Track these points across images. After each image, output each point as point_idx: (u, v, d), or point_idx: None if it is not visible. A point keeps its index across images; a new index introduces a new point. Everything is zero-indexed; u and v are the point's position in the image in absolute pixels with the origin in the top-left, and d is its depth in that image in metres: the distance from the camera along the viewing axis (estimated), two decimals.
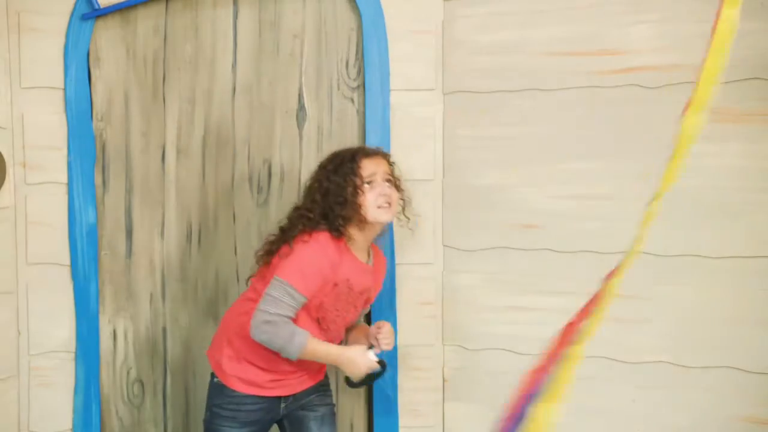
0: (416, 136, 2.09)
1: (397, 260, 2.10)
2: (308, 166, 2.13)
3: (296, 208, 1.84)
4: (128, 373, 2.20)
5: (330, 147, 2.12)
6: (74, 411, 2.16)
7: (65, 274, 2.14)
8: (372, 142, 2.07)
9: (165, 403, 2.21)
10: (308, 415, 1.86)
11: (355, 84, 2.12)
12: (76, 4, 2.08)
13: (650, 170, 1.89)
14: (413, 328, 2.11)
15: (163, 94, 2.15)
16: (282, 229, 1.82)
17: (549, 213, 1.98)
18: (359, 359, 1.74)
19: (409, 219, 1.93)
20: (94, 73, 2.14)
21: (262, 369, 1.78)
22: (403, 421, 2.12)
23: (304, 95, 2.14)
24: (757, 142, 1.80)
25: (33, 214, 2.13)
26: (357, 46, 2.12)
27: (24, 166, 2.11)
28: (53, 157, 2.12)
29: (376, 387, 2.11)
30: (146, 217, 2.17)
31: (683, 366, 1.88)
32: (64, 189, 2.12)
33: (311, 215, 1.78)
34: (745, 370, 1.82)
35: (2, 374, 2.09)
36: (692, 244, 1.85)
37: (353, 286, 1.78)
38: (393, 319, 2.09)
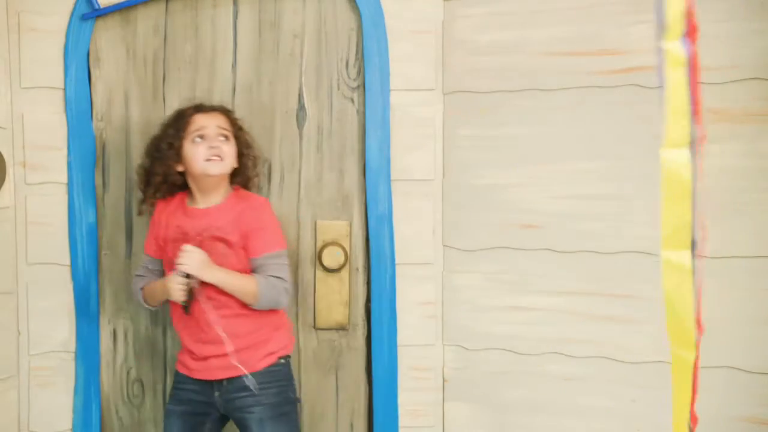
0: (416, 136, 2.09)
1: (397, 260, 2.10)
2: (308, 165, 2.13)
3: (135, 168, 2.01)
4: (128, 373, 2.20)
5: (330, 147, 2.13)
6: (74, 411, 2.16)
7: (65, 274, 2.14)
8: (372, 142, 2.08)
9: (165, 403, 2.21)
10: (247, 417, 1.83)
11: (355, 84, 2.12)
12: (76, 4, 2.08)
13: (650, 170, 1.90)
14: (413, 328, 2.11)
15: (163, 94, 2.15)
16: None
17: (549, 213, 1.98)
18: (170, 282, 1.80)
19: (257, 176, 1.99)
20: (94, 73, 2.14)
21: (181, 345, 1.91)
22: (403, 421, 2.12)
23: (304, 95, 2.14)
24: (757, 142, 1.80)
25: (33, 214, 2.13)
26: (357, 46, 2.12)
27: (24, 166, 2.11)
28: (53, 157, 2.12)
29: (376, 387, 2.11)
30: (146, 217, 2.17)
31: None
32: (64, 189, 2.12)
33: (139, 171, 1.98)
34: (745, 370, 1.82)
35: (2, 374, 2.09)
36: None
37: (187, 231, 1.85)
38: (393, 319, 2.10)
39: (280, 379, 1.88)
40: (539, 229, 1.99)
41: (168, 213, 1.92)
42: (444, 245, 2.10)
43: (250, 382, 1.82)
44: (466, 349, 2.08)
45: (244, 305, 1.83)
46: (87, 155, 2.13)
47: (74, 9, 2.08)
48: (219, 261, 1.81)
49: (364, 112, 2.10)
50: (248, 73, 2.14)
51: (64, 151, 2.12)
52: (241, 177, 1.94)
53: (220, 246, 1.83)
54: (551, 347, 2.00)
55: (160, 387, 2.20)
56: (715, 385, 1.85)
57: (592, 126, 1.94)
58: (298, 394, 1.95)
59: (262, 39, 2.14)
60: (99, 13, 2.08)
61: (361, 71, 2.11)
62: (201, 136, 1.85)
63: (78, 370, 2.15)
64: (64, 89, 2.10)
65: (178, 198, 1.93)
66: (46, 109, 2.11)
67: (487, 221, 2.04)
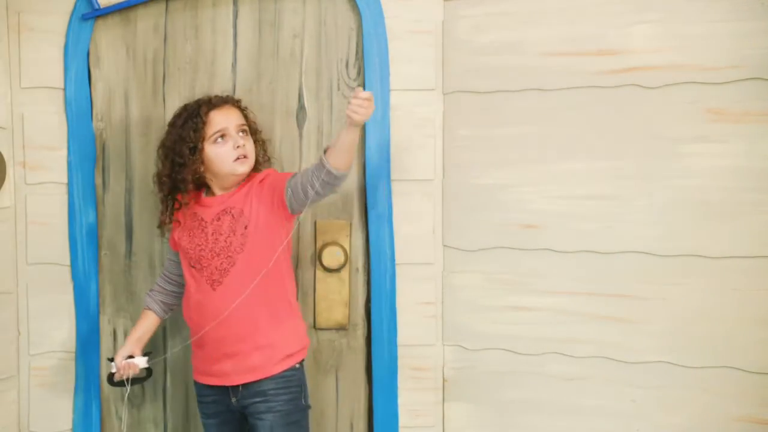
0: (416, 136, 2.09)
1: (397, 260, 2.10)
2: (308, 165, 2.13)
3: (154, 176, 1.91)
4: None
5: None
6: (74, 411, 2.16)
7: (65, 274, 2.14)
8: (372, 142, 2.08)
9: (165, 403, 2.21)
10: (258, 424, 1.81)
11: (355, 84, 2.12)
12: (76, 4, 2.08)
13: (650, 170, 1.90)
14: (413, 328, 2.11)
15: (163, 94, 2.16)
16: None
17: (549, 213, 1.98)
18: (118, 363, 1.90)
19: (270, 159, 1.97)
20: (94, 73, 2.14)
21: (194, 347, 1.89)
22: (403, 421, 2.12)
23: (304, 95, 2.14)
24: (757, 142, 1.80)
25: (33, 214, 2.13)
26: (357, 46, 2.12)
27: (24, 166, 2.11)
28: (53, 157, 2.12)
29: (376, 387, 2.11)
30: (146, 217, 2.17)
31: (683, 366, 1.88)
32: (64, 189, 2.13)
33: (162, 180, 1.86)
34: (745, 370, 1.82)
35: (2, 374, 2.09)
36: (692, 244, 1.85)
37: (203, 217, 1.84)
38: (393, 319, 2.10)
39: (294, 386, 1.84)
40: (539, 229, 1.99)
41: (185, 211, 1.89)
42: (444, 245, 2.10)
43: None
44: (466, 349, 2.08)
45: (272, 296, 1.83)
46: (87, 155, 2.13)
47: (74, 9, 2.08)
48: (238, 240, 1.80)
49: None
50: (248, 73, 2.14)
51: (64, 151, 2.12)
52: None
53: (239, 224, 1.81)
54: (551, 347, 2.00)
55: (160, 387, 2.20)
56: (715, 385, 1.85)
57: (592, 126, 1.94)
58: (308, 400, 1.90)
59: (262, 39, 2.14)
60: (99, 13, 2.08)
61: (361, 71, 2.11)
62: (223, 136, 1.83)
63: (78, 370, 2.15)
64: (64, 89, 2.10)
65: (191, 195, 1.89)
66: (46, 109, 2.11)
67: (487, 221, 2.04)
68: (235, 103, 1.91)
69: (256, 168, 1.91)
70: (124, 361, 1.89)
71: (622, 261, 1.91)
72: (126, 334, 2.18)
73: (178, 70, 2.15)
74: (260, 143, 1.93)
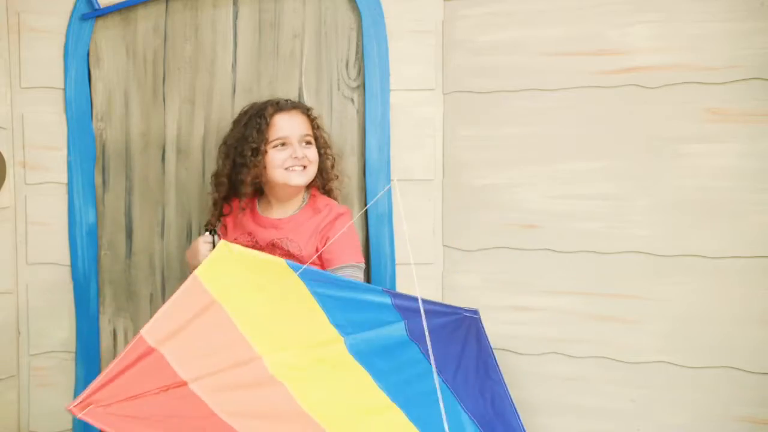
0: (416, 136, 2.09)
1: (397, 260, 2.10)
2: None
3: (212, 176, 1.88)
4: None
5: None
6: None
7: (65, 274, 2.14)
8: (372, 142, 2.08)
9: None
10: None
11: (355, 84, 2.12)
12: (76, 4, 2.08)
13: (650, 170, 1.90)
14: None
15: (163, 94, 2.16)
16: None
17: (549, 213, 1.98)
18: (198, 244, 1.77)
19: (337, 177, 1.93)
20: (94, 73, 2.14)
21: None
22: None
23: (304, 95, 2.14)
24: (757, 142, 1.80)
25: (33, 214, 2.13)
26: (357, 46, 2.12)
27: (24, 166, 2.12)
28: (53, 157, 2.12)
29: None
30: (146, 217, 2.17)
31: (683, 366, 1.88)
32: (64, 189, 2.13)
33: (221, 180, 1.82)
34: (745, 370, 1.82)
35: (2, 374, 2.09)
36: (692, 244, 1.85)
37: (258, 240, 1.80)
38: None
39: None
40: (539, 229, 1.99)
41: (235, 217, 1.87)
42: (444, 245, 2.10)
43: None
44: None
45: None
46: (87, 155, 2.13)
47: (74, 9, 2.08)
48: None
49: (364, 112, 2.10)
50: (248, 73, 2.14)
51: (64, 151, 2.12)
52: (319, 179, 1.91)
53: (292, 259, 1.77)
54: (551, 347, 2.00)
55: None
56: (715, 385, 1.85)
57: (592, 126, 1.94)
58: None
59: (262, 39, 2.14)
60: (99, 13, 2.09)
61: (361, 71, 2.11)
62: (283, 144, 1.80)
63: (78, 370, 2.15)
64: (64, 89, 2.10)
65: (246, 201, 1.87)
66: (46, 109, 2.11)
67: (487, 221, 2.04)
68: (305, 110, 1.88)
69: (323, 183, 1.90)
70: None
71: (622, 261, 1.91)
72: (126, 334, 2.19)
73: (178, 70, 2.15)
74: (329, 158, 1.89)
